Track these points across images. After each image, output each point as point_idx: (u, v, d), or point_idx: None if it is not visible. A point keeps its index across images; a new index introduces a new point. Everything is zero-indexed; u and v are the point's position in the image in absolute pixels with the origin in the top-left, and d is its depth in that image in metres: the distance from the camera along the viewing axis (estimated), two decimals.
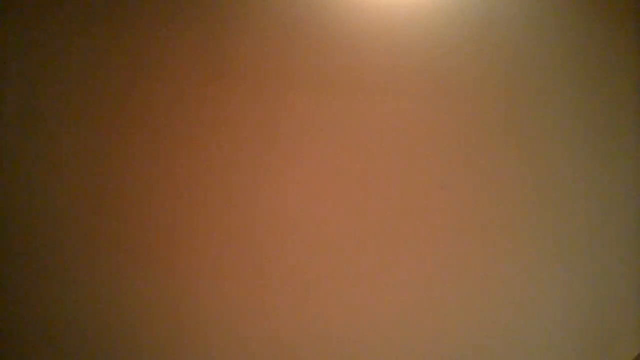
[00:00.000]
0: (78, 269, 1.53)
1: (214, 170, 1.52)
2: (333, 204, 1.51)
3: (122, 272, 1.51)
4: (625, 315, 1.46)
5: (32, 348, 1.52)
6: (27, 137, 1.55)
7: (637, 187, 1.49)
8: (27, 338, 1.51)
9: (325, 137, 1.50)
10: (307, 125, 1.51)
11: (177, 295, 1.52)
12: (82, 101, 1.54)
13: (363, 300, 1.49)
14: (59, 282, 1.53)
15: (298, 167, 1.51)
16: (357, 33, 1.52)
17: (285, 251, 1.50)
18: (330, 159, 1.50)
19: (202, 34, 1.53)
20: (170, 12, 1.54)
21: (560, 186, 1.48)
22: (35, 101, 1.56)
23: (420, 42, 1.51)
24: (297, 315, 1.49)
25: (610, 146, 1.50)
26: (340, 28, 1.53)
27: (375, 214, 1.50)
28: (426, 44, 1.52)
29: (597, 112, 1.50)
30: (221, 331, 1.51)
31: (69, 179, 1.53)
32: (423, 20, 1.52)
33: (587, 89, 1.51)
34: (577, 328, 1.45)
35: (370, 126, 1.50)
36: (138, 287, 1.51)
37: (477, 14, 1.51)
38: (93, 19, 1.56)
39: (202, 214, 1.51)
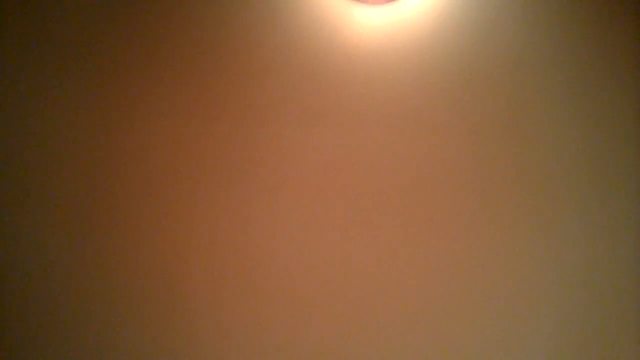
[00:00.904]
0: (70, 269, 1.54)
1: (212, 179, 1.53)
2: (317, 223, 1.51)
3: (115, 275, 1.52)
4: (623, 320, 1.45)
5: (25, 348, 1.53)
6: (24, 141, 1.57)
7: (634, 189, 1.48)
8: (19, 338, 1.53)
9: (310, 166, 1.51)
10: (294, 156, 1.52)
11: (171, 298, 1.52)
12: (79, 105, 1.56)
13: (358, 306, 1.49)
14: (53, 282, 1.54)
15: (290, 181, 1.52)
16: (350, 70, 1.53)
17: (280, 257, 1.50)
18: (316, 183, 1.51)
19: (196, 67, 1.55)
20: (161, 47, 1.56)
21: (554, 187, 1.48)
22: (32, 105, 1.58)
23: (412, 77, 1.52)
24: (292, 321, 1.49)
25: (606, 148, 1.49)
26: (332, 63, 1.54)
27: (367, 238, 1.50)
28: (418, 81, 1.52)
29: (593, 115, 1.50)
30: (215, 334, 1.51)
31: (65, 178, 1.54)
32: (415, 53, 1.53)
33: (582, 86, 1.51)
34: (572, 333, 1.45)
35: (361, 158, 1.51)
36: (131, 292, 1.52)
37: (468, 42, 1.53)
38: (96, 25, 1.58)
39: (199, 220, 1.52)
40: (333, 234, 1.50)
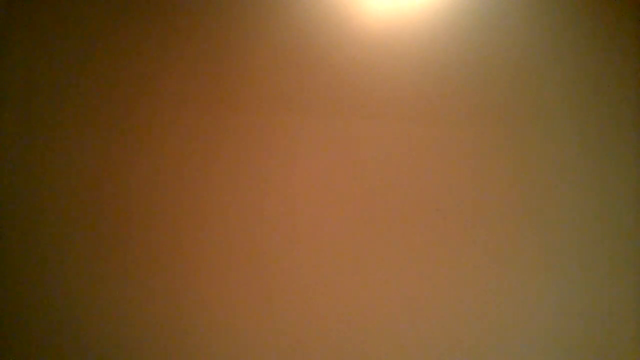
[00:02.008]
0: (83, 269, 1.54)
1: (219, 174, 1.53)
2: (329, 215, 1.51)
3: (126, 272, 1.52)
4: (621, 324, 1.45)
5: (34, 348, 1.53)
6: (32, 138, 1.57)
7: (632, 195, 1.48)
8: (28, 338, 1.52)
9: (323, 155, 1.51)
10: (307, 144, 1.52)
11: (181, 296, 1.52)
12: (91, 104, 1.56)
13: (362, 304, 1.49)
14: (63, 281, 1.54)
15: (297, 176, 1.52)
16: (358, 58, 1.52)
17: (286, 254, 1.50)
18: (328, 172, 1.51)
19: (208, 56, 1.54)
20: (173, 34, 1.55)
21: (552, 194, 1.48)
22: (40, 102, 1.57)
23: (419, 66, 1.52)
24: (299, 316, 1.49)
25: (604, 154, 1.49)
26: (343, 52, 1.53)
27: (373, 227, 1.50)
28: (424, 69, 1.52)
29: (592, 115, 1.50)
30: (224, 331, 1.51)
31: (76, 179, 1.54)
32: (421, 45, 1.52)
33: (583, 92, 1.51)
34: (571, 336, 1.45)
35: (369, 148, 1.51)
36: (142, 288, 1.52)
37: (476, 39, 1.53)
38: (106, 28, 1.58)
39: (206, 217, 1.52)
40: (345, 226, 1.50)
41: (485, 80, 1.50)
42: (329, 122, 1.51)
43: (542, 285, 1.45)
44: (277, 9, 1.52)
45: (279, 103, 1.52)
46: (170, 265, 1.53)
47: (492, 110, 1.49)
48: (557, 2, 1.52)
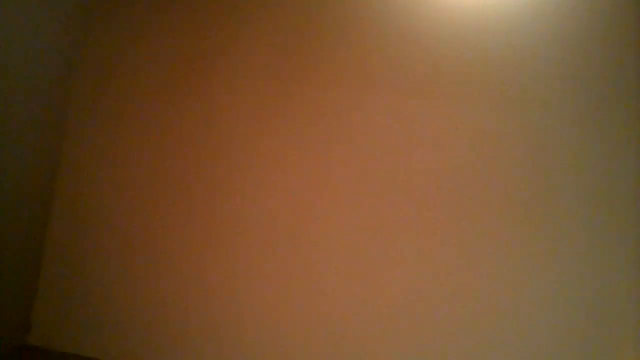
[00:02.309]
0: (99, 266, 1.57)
1: (288, 155, 1.52)
2: (346, 203, 1.50)
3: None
4: (624, 319, 1.46)
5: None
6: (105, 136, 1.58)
7: (635, 189, 1.48)
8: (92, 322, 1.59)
9: (385, 132, 1.48)
10: (371, 121, 1.48)
11: (185, 292, 1.55)
12: (153, 101, 1.56)
13: (370, 299, 1.49)
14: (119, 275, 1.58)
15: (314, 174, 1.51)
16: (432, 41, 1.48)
17: (306, 251, 1.51)
18: (391, 150, 1.48)
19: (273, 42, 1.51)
20: (238, 17, 1.53)
21: (556, 187, 1.49)
22: (108, 94, 1.61)
23: (491, 51, 1.50)
24: (308, 316, 1.49)
25: (607, 147, 1.50)
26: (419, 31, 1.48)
27: (403, 218, 1.49)
28: (496, 52, 1.50)
29: (600, 110, 1.51)
30: (227, 328, 1.52)
31: (146, 181, 1.56)
32: (497, 32, 1.50)
33: (585, 87, 1.51)
34: (573, 329, 1.47)
35: (426, 127, 1.48)
36: (150, 286, 1.54)
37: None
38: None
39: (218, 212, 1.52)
40: (357, 224, 1.51)
41: (496, 78, 1.51)
42: (391, 99, 1.49)
43: (549, 278, 1.47)
44: None
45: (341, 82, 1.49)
46: (175, 260, 1.56)
47: (506, 107, 1.49)
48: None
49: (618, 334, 1.44)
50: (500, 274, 1.46)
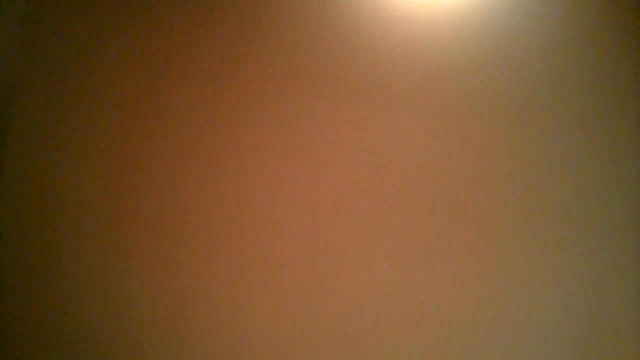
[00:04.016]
0: (91, 268, 1.52)
1: (227, 174, 1.52)
2: (346, 208, 1.50)
3: (132, 272, 1.52)
4: (623, 319, 1.45)
5: (38, 347, 1.52)
6: (47, 137, 1.56)
7: (634, 188, 1.48)
8: (33, 337, 1.52)
9: (352, 145, 1.50)
10: (330, 134, 1.50)
11: (186, 296, 1.52)
12: (102, 105, 1.55)
13: (370, 302, 1.49)
14: (71, 280, 1.53)
15: (306, 175, 1.51)
16: (389, 49, 1.51)
17: (295, 254, 1.50)
18: (349, 166, 1.50)
19: (225, 42, 1.53)
20: (195, 18, 1.55)
21: (555, 187, 1.48)
22: (55, 100, 1.57)
23: (452, 63, 1.51)
24: (305, 316, 1.49)
25: (607, 148, 1.49)
26: (370, 42, 1.51)
27: (388, 220, 1.49)
28: (458, 64, 1.51)
29: (595, 120, 1.50)
30: (229, 332, 1.51)
31: (87, 181, 1.54)
32: (459, 38, 1.52)
33: (584, 83, 1.51)
34: (573, 330, 1.45)
35: (391, 139, 1.49)
36: (147, 288, 1.51)
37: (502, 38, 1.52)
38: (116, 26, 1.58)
39: (214, 215, 1.51)
40: (354, 224, 1.50)
41: (492, 81, 1.51)
42: (358, 111, 1.50)
43: (547, 283, 1.45)
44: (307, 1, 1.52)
45: (309, 91, 1.51)
46: (175, 263, 1.53)
47: (502, 109, 1.50)
48: (563, 1, 1.52)
49: (617, 336, 1.44)
50: (501, 278, 1.47)
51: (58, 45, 1.57)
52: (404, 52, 1.51)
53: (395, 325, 1.48)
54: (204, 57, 1.54)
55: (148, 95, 1.54)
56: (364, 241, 1.50)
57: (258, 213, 1.52)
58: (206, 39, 1.53)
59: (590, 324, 1.44)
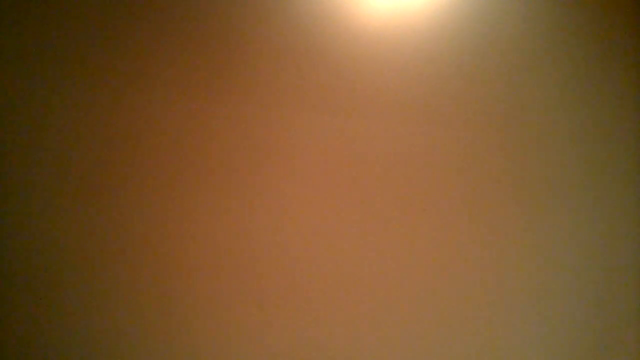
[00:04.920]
0: (75, 270, 1.52)
1: (214, 176, 1.51)
2: (326, 216, 1.51)
3: (119, 276, 1.51)
4: (627, 317, 1.47)
5: (24, 349, 1.51)
6: (29, 139, 1.53)
7: (632, 188, 1.50)
8: (21, 340, 1.50)
9: (320, 154, 1.50)
10: (304, 142, 1.50)
11: (173, 300, 1.52)
12: (84, 104, 1.52)
13: (361, 309, 1.49)
14: (56, 283, 1.52)
15: (297, 178, 1.50)
16: (361, 56, 1.50)
17: (283, 258, 1.50)
18: (325, 172, 1.50)
19: (209, 51, 1.51)
20: (177, 26, 1.52)
21: (551, 185, 1.49)
22: (37, 101, 1.53)
23: (422, 68, 1.51)
24: (295, 326, 1.49)
25: (608, 144, 1.50)
26: (344, 50, 1.51)
27: (370, 225, 1.50)
28: (428, 70, 1.51)
29: (590, 113, 1.51)
30: (216, 334, 1.51)
31: (71, 180, 1.52)
32: (428, 45, 1.51)
33: (580, 84, 1.51)
34: (570, 334, 1.46)
35: (364, 147, 1.50)
36: (133, 293, 1.51)
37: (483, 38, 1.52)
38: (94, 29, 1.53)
39: (200, 219, 1.51)
40: (342, 227, 1.50)
41: (482, 81, 1.50)
42: (326, 119, 1.50)
43: (550, 276, 1.47)
44: (277, 7, 1.50)
45: (275, 99, 1.50)
46: (161, 264, 1.52)
47: (491, 110, 1.50)
48: (557, 2, 1.51)
49: (619, 330, 1.48)
50: (494, 264, 1.50)
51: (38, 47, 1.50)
52: (392, 57, 1.50)
53: (393, 333, 1.48)
54: (179, 63, 1.49)
55: (134, 98, 1.51)
56: (358, 244, 1.50)
57: (234, 223, 1.50)
58: (192, 50, 1.50)
59: (588, 322, 1.46)
